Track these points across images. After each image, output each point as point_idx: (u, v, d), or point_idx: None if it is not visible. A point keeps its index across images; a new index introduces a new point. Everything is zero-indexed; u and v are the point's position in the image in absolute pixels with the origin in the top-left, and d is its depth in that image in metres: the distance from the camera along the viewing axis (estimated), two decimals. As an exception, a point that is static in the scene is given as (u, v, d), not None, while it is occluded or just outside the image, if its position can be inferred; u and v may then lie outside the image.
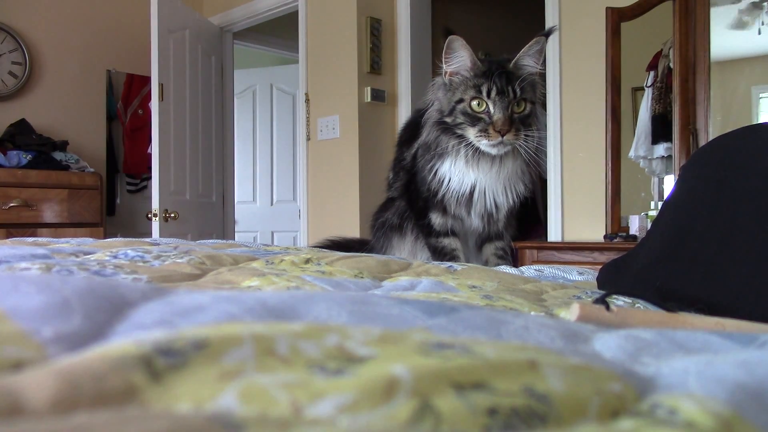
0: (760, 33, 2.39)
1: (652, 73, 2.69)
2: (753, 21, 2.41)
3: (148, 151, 3.65)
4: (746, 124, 1.11)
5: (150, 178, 3.39)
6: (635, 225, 2.58)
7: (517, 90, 1.42)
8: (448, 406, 0.23)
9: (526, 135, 1.45)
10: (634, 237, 2.53)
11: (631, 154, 2.70)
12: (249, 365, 0.25)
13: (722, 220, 0.74)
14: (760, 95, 2.50)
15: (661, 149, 2.66)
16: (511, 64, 1.44)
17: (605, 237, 2.59)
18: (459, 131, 1.47)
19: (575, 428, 0.24)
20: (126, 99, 3.91)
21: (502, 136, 1.40)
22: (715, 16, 2.42)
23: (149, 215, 3.16)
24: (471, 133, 1.44)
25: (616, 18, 2.62)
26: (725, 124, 2.40)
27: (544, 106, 2.99)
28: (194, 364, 0.25)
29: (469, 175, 1.52)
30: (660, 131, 2.63)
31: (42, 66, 3.54)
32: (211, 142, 3.67)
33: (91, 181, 3.29)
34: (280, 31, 4.34)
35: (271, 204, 4.78)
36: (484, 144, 1.43)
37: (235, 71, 3.97)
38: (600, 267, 1.01)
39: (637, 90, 2.75)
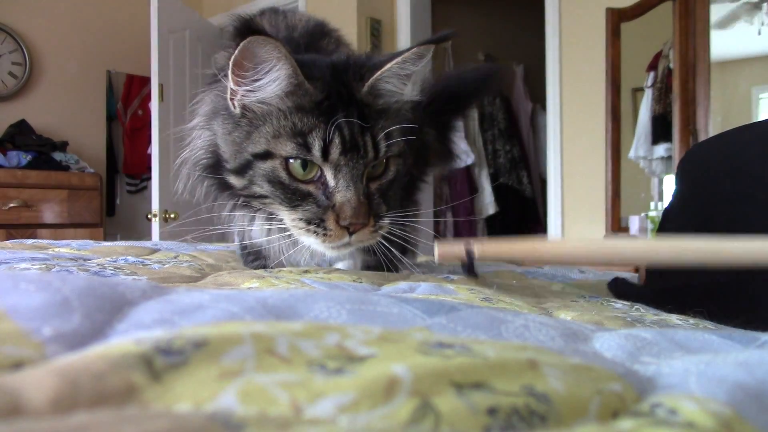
0: (759, 33, 2.39)
1: (652, 74, 2.69)
2: (753, 21, 2.41)
3: (148, 151, 3.65)
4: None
5: (150, 178, 3.39)
6: (635, 225, 2.58)
7: (381, 144, 0.77)
8: (448, 406, 0.23)
9: (393, 219, 0.80)
10: (634, 237, 2.53)
11: (631, 154, 2.70)
12: (249, 364, 0.25)
13: (723, 228, 0.74)
14: (760, 96, 2.50)
15: (661, 150, 2.66)
16: (366, 88, 0.77)
17: (605, 237, 2.59)
18: (258, 204, 0.81)
19: (575, 428, 0.24)
20: (126, 99, 3.91)
21: (351, 233, 0.76)
22: (715, 16, 2.42)
23: (149, 216, 3.16)
24: (287, 216, 0.78)
25: (616, 18, 2.62)
26: (725, 124, 2.40)
27: (544, 107, 2.99)
28: (194, 363, 0.25)
29: (293, 258, 0.88)
30: (660, 132, 2.63)
31: (42, 66, 3.54)
32: (211, 142, 3.67)
33: (91, 182, 3.29)
34: (280, 32, 4.34)
35: (271, 204, 4.77)
36: (313, 243, 0.77)
37: (235, 72, 3.96)
38: (599, 266, 1.01)
39: (637, 90, 2.75)
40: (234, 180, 0.79)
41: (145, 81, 3.74)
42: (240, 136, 0.77)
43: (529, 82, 4.17)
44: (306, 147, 0.74)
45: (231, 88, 0.77)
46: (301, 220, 0.76)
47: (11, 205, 3.00)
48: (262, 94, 0.75)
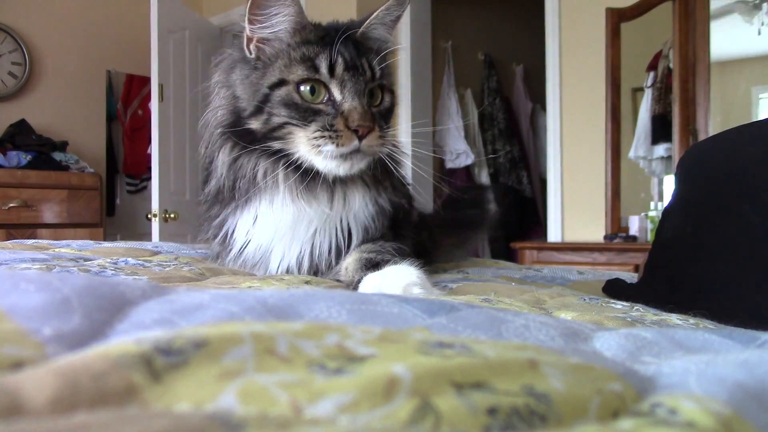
0: (759, 33, 2.39)
1: (652, 74, 2.69)
2: (753, 22, 2.41)
3: (148, 151, 3.65)
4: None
5: (150, 178, 3.39)
6: (635, 225, 2.58)
7: (375, 67, 0.90)
8: (448, 406, 0.23)
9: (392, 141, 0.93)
10: (634, 237, 2.53)
11: (631, 154, 2.70)
12: (249, 365, 0.25)
13: (722, 228, 0.74)
14: (760, 96, 2.50)
15: (660, 150, 2.66)
16: (359, 33, 0.92)
17: (605, 237, 2.59)
18: (277, 142, 0.87)
19: (575, 428, 0.24)
20: (126, 99, 3.91)
21: (360, 137, 0.84)
22: (715, 16, 2.42)
23: (149, 216, 3.16)
24: (303, 138, 0.86)
25: (616, 18, 2.62)
26: (725, 124, 2.40)
27: (544, 107, 2.99)
28: (194, 363, 0.25)
29: (291, 219, 0.91)
30: (660, 132, 2.63)
31: (42, 66, 3.54)
32: (211, 142, 3.66)
33: (91, 182, 3.29)
34: (280, 32, 4.34)
35: (271, 204, 4.76)
36: (328, 152, 0.85)
37: (235, 72, 3.96)
38: (600, 266, 1.01)
39: (637, 90, 2.75)
40: (254, 123, 0.89)
41: (145, 81, 3.74)
42: (257, 77, 0.89)
43: (529, 82, 4.17)
44: (314, 68, 0.86)
45: (247, 35, 0.90)
46: (315, 131, 0.85)
47: (11, 205, 3.00)
48: (274, 29, 0.89)
